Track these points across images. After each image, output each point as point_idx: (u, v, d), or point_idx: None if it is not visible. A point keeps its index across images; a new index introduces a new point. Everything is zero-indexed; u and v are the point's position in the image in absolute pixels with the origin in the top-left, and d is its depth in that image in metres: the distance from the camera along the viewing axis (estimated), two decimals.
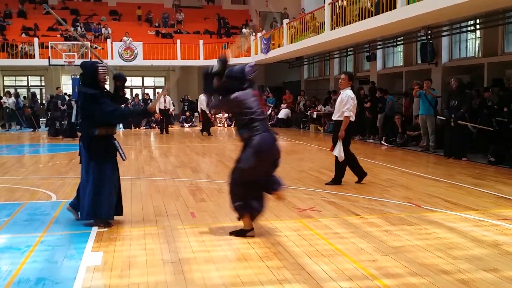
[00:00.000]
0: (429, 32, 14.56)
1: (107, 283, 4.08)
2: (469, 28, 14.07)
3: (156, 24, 29.27)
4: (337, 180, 8.31)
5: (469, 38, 15.19)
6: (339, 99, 8.17)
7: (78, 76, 26.12)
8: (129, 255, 4.75)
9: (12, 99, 22.83)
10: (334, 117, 8.30)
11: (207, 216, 6.26)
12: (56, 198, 7.41)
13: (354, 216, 6.23)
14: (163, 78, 31.58)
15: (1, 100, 22.90)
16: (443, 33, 14.74)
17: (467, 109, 11.54)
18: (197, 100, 28.75)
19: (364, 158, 11.85)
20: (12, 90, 25.42)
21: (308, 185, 8.33)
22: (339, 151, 8.04)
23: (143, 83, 32.48)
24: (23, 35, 27.19)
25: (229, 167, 10.40)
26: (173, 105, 22.87)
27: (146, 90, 30.15)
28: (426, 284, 4.01)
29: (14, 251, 4.86)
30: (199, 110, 19.95)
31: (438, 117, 12.75)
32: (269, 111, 24.42)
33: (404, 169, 10.09)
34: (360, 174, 8.42)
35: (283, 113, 23.48)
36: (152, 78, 32.44)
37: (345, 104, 7.97)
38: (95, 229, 5.59)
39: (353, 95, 8.13)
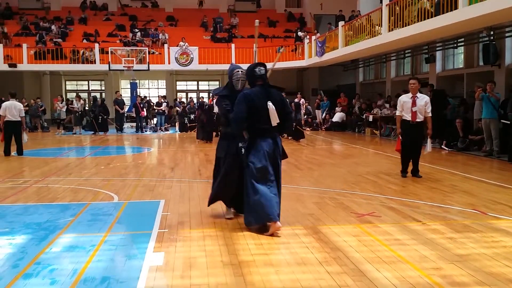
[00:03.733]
0: (492, 33, 14.04)
1: (169, 283, 4.14)
2: None
3: (211, 29, 29.65)
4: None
5: None
6: (421, 103, 9.14)
7: (136, 81, 26.91)
8: (190, 256, 4.81)
9: (81, 102, 23.60)
10: (418, 119, 9.19)
11: None
12: (118, 199, 7.61)
13: (415, 222, 6.07)
14: (217, 82, 31.98)
15: (70, 105, 23.68)
16: (507, 34, 14.16)
17: None
18: None
19: (423, 163, 11.52)
20: (74, 94, 26.30)
21: (365, 190, 8.18)
22: (430, 146, 9.73)
23: (198, 87, 33.12)
24: (84, 41, 28.19)
25: (284, 170, 10.33)
26: None
27: (201, 94, 30.68)
28: None
29: (80, 250, 5.02)
30: None
31: (502, 120, 12.25)
32: (323, 115, 24.19)
33: (467, 174, 9.74)
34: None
35: (338, 116, 23.23)
36: (206, 82, 32.99)
37: (429, 106, 9.20)
38: (156, 230, 5.71)
39: None
